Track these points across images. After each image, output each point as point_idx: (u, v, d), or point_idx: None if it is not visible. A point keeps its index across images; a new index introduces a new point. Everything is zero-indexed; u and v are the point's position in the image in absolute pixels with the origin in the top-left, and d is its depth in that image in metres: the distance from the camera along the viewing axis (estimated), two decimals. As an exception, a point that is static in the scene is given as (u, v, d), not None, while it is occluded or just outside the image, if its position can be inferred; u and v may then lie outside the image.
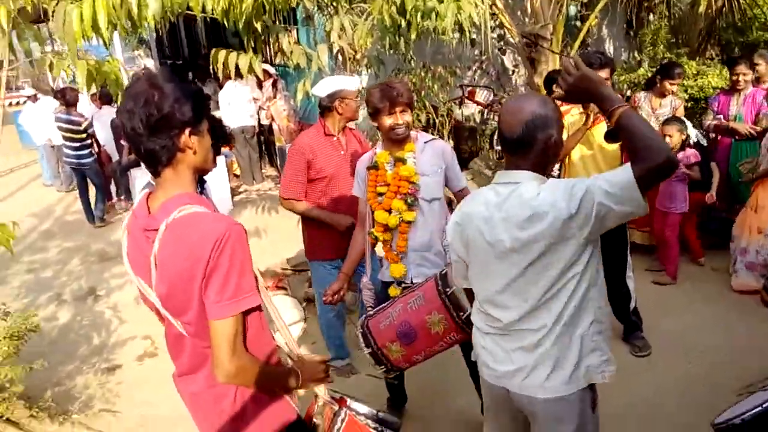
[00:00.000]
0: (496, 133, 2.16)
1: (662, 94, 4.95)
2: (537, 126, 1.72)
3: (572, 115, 3.61)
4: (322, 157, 3.37)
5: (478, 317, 1.96)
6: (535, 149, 1.74)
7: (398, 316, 2.53)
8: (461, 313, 2.39)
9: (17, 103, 17.40)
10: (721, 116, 4.87)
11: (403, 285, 2.84)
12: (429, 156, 2.81)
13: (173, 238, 1.47)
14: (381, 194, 2.81)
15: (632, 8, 8.82)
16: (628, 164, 1.58)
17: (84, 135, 7.55)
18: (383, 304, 2.70)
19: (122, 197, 8.24)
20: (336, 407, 2.03)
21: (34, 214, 7.98)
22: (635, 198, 1.56)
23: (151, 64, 14.80)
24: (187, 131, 1.50)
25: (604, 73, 3.55)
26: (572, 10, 8.31)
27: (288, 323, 2.64)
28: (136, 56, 20.17)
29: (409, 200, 2.77)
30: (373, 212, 2.85)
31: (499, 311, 1.82)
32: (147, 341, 4.52)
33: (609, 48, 9.55)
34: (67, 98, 7.54)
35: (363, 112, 3.69)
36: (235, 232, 1.48)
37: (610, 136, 3.06)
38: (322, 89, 3.42)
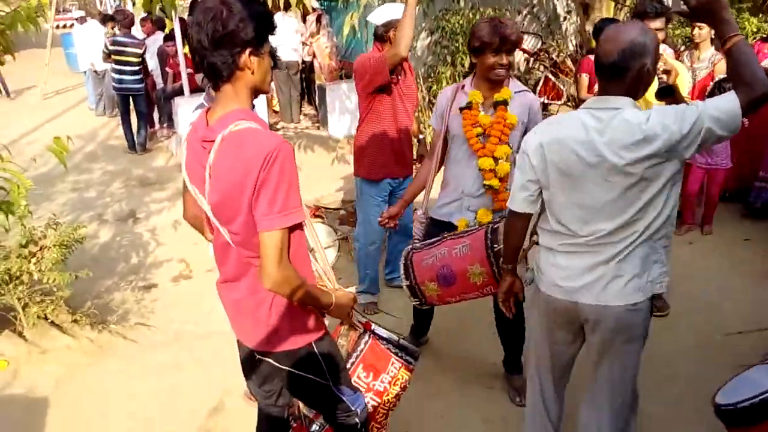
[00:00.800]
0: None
1: (696, 46, 4.62)
2: (634, 53, 1.78)
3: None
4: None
5: (549, 237, 2.03)
6: (629, 76, 1.80)
7: (442, 258, 2.54)
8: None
9: (65, 26, 17.63)
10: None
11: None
12: (516, 107, 2.69)
13: (228, 150, 1.54)
14: (478, 135, 2.69)
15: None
16: (733, 93, 1.71)
17: (140, 60, 7.59)
18: (430, 240, 2.69)
19: (164, 125, 8.37)
20: (361, 330, 2.11)
21: (79, 137, 8.17)
22: (737, 124, 1.72)
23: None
24: (248, 51, 1.55)
25: (659, 23, 3.39)
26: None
27: (323, 246, 2.70)
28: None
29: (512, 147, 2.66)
30: (470, 154, 2.72)
31: (587, 227, 1.91)
32: (182, 264, 4.68)
33: None
34: (125, 20, 7.53)
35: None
36: (285, 149, 1.54)
37: (661, 94, 2.98)
38: (379, 16, 3.41)
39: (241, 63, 1.56)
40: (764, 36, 5.33)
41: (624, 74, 1.80)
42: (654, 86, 3.11)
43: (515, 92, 2.71)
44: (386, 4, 3.51)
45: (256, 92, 1.67)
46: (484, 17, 6.87)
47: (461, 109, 2.72)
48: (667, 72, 3.01)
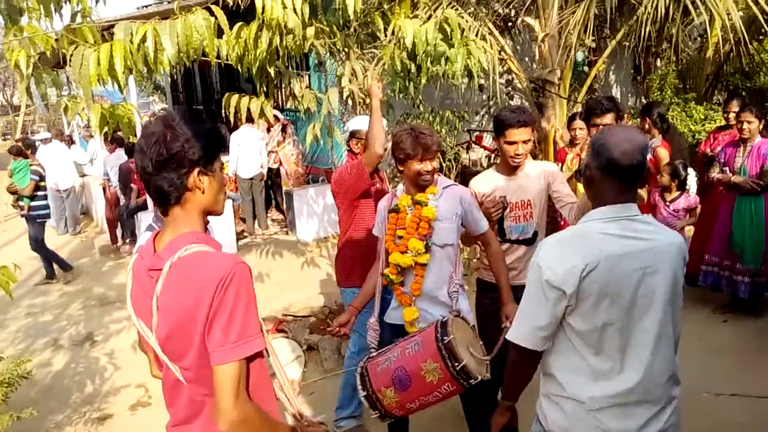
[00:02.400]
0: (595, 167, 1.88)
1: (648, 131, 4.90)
2: (646, 151, 1.78)
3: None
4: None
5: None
6: (643, 175, 1.78)
7: (396, 360, 2.47)
8: (456, 364, 2.31)
9: (31, 147, 17.67)
10: (727, 168, 4.62)
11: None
12: (447, 201, 2.77)
13: (177, 278, 1.43)
14: (400, 237, 2.76)
15: (639, 54, 8.87)
16: None
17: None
18: (385, 347, 2.63)
19: (128, 240, 8.18)
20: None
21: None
22: None
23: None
24: (196, 171, 1.49)
25: (608, 119, 3.47)
26: (579, 56, 8.35)
27: (285, 365, 2.46)
28: (150, 101, 20.63)
29: (428, 242, 2.70)
30: (388, 254, 2.80)
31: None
32: (141, 390, 4.37)
33: (616, 93, 9.57)
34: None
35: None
36: (240, 271, 1.43)
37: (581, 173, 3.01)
38: (348, 127, 3.61)
39: (189, 184, 1.49)
40: (720, 125, 5.56)
41: (643, 173, 1.75)
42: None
43: (443, 188, 2.80)
44: (354, 118, 3.63)
45: (208, 213, 1.58)
46: (444, 119, 7.15)
47: (389, 212, 2.82)
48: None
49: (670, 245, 1.75)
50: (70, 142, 11.25)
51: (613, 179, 1.73)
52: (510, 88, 8.17)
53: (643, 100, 9.27)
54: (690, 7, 5.47)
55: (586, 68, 8.25)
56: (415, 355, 2.41)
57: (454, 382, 2.33)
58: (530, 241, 3.00)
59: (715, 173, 4.69)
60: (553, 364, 1.79)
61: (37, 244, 7.07)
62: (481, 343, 2.56)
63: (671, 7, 5.84)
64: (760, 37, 7.45)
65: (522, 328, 1.79)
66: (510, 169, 3.02)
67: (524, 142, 2.88)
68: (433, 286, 2.74)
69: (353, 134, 3.56)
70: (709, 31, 7.38)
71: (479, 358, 2.43)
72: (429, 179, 2.73)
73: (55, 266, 7.35)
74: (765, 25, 5.47)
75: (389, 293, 2.91)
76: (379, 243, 2.93)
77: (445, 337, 2.34)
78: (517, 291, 3.06)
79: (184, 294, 1.42)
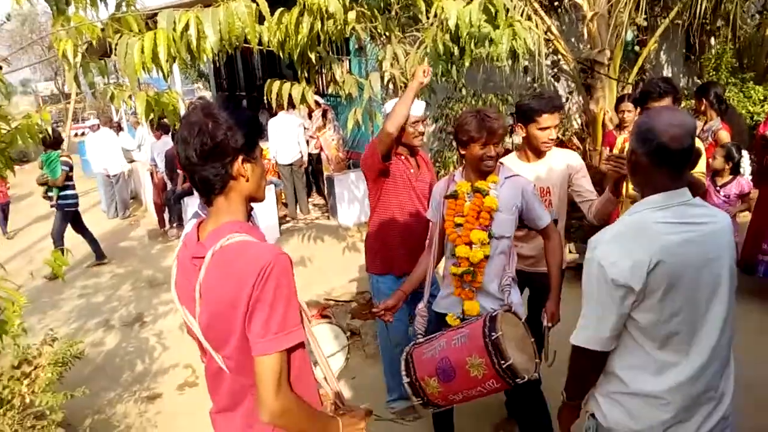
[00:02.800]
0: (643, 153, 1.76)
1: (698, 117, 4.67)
2: (694, 135, 1.71)
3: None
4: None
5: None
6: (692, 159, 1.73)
7: (441, 350, 2.42)
8: (503, 362, 2.24)
9: (83, 134, 18.31)
10: None
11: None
12: (508, 191, 2.67)
13: (218, 266, 1.44)
14: (459, 225, 2.68)
15: (693, 32, 8.48)
16: None
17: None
18: (433, 335, 2.59)
19: (174, 224, 8.39)
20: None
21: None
22: None
23: (208, 95, 15.27)
24: (240, 158, 1.49)
25: (665, 103, 3.30)
26: (629, 35, 8.04)
27: (329, 354, 2.45)
28: (195, 88, 21.02)
29: (491, 233, 2.62)
30: (451, 244, 2.71)
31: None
32: (188, 370, 4.47)
33: (668, 73, 9.19)
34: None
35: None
36: (281, 262, 1.43)
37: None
38: (386, 107, 3.45)
39: (234, 172, 1.49)
40: None
41: (692, 157, 1.69)
42: None
43: (505, 177, 2.70)
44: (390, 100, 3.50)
45: (251, 200, 1.58)
46: (487, 103, 7.01)
47: (446, 197, 2.73)
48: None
49: (724, 228, 1.71)
50: (119, 128, 11.59)
51: (662, 166, 1.66)
52: (556, 70, 7.93)
53: (697, 81, 8.88)
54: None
55: (636, 48, 7.94)
56: (461, 348, 2.36)
57: (499, 379, 2.28)
58: None
59: None
60: (615, 363, 1.75)
61: (59, 236, 7.07)
62: (533, 340, 2.48)
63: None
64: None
65: (588, 331, 1.73)
66: (534, 155, 3.01)
67: (555, 127, 2.91)
68: (487, 278, 2.66)
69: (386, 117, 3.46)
70: (770, 6, 7.00)
71: (528, 357, 2.37)
72: (492, 165, 2.64)
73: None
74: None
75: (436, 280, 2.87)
76: (431, 228, 2.87)
77: (493, 333, 2.27)
78: (534, 278, 3.05)
79: (225, 283, 1.43)
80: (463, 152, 2.69)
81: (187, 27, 2.72)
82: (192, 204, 6.86)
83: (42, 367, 3.20)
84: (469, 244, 2.62)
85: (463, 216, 2.66)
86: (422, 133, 3.39)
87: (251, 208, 1.63)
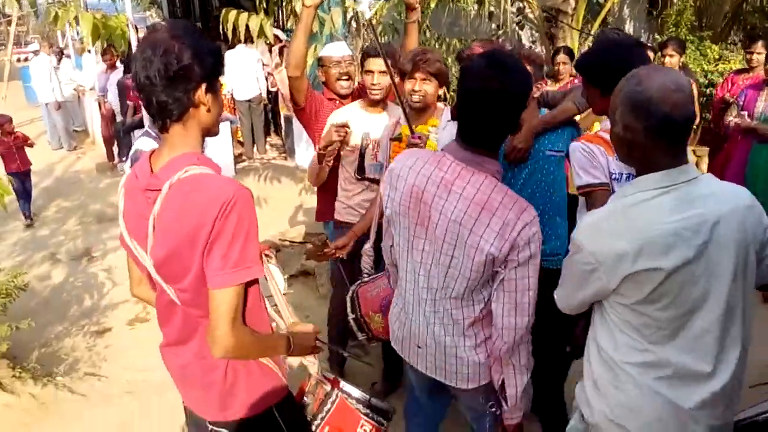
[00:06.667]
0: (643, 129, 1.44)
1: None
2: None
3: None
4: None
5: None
6: None
7: (385, 287, 2.46)
8: None
9: (26, 59, 17.30)
10: (746, 113, 4.34)
11: None
12: (450, 134, 2.61)
13: (177, 199, 1.39)
14: None
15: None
16: None
17: None
18: (378, 274, 2.62)
19: (124, 158, 8.11)
20: (328, 388, 1.94)
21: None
22: None
23: (160, 24, 14.44)
24: (203, 86, 1.42)
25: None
26: (595, -14, 8.02)
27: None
28: (146, 17, 19.92)
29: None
30: None
31: None
32: (139, 306, 4.42)
33: (630, 28, 9.24)
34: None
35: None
36: (243, 196, 1.39)
37: None
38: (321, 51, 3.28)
39: (196, 99, 1.42)
40: (739, 68, 5.35)
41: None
42: None
43: (447, 120, 2.67)
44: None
45: (206, 134, 1.52)
46: (451, 47, 6.93)
47: (391, 140, 2.72)
48: None
49: (735, 209, 1.42)
50: (61, 54, 10.87)
51: (663, 140, 1.39)
52: (521, 17, 7.87)
53: (657, 37, 8.97)
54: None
55: (601, 0, 7.94)
56: None
57: None
58: None
59: (732, 117, 4.39)
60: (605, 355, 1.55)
61: None
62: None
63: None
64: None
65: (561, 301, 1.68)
66: (371, 103, 2.91)
67: (381, 72, 2.77)
68: None
69: (320, 62, 3.19)
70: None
71: None
72: (416, 101, 2.61)
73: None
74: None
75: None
76: (382, 171, 2.85)
77: None
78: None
79: (184, 216, 1.38)
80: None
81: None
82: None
83: (-16, 298, 3.11)
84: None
85: None
86: (350, 78, 3.08)
87: (205, 144, 1.58)
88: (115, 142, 8.23)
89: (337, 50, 3.09)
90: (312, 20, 2.91)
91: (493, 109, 1.62)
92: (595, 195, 2.03)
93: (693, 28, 7.95)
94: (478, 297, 1.76)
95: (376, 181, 2.93)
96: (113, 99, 7.95)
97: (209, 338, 1.43)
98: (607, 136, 1.82)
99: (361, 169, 2.94)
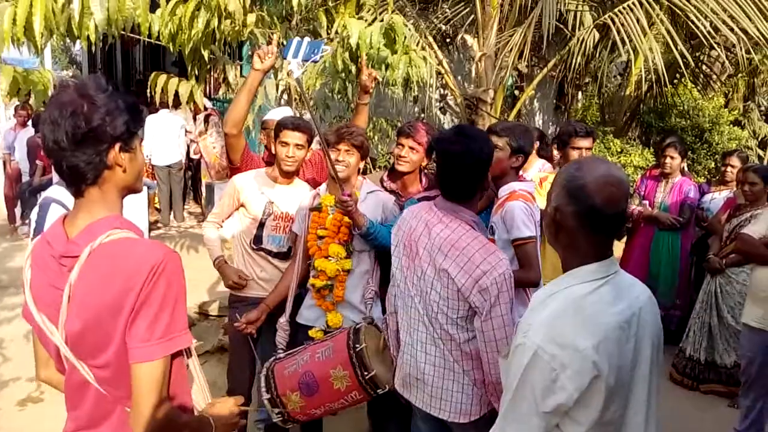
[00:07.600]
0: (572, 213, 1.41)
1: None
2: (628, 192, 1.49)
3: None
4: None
5: None
6: None
7: (304, 364, 2.43)
8: (366, 373, 2.31)
9: None
10: (647, 202, 4.75)
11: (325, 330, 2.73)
12: (369, 207, 2.72)
13: (100, 265, 1.30)
14: (321, 237, 2.70)
15: (568, 83, 9.32)
16: None
17: None
18: (295, 349, 2.58)
19: (27, 220, 7.57)
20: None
21: None
22: None
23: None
24: (117, 147, 1.34)
25: (588, 142, 3.37)
26: (510, 80, 8.64)
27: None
28: (63, 76, 19.37)
29: (350, 248, 2.67)
30: (311, 257, 2.73)
31: None
32: (32, 384, 3.99)
33: (539, 120, 9.98)
34: None
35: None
36: (172, 261, 1.32)
37: None
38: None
39: (110, 161, 1.34)
40: (653, 165, 5.52)
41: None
42: None
43: (367, 192, 2.78)
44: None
45: (128, 192, 1.44)
46: (377, 126, 7.15)
47: (311, 210, 2.76)
48: None
49: (650, 298, 1.48)
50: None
51: (588, 228, 1.39)
52: (443, 103, 8.31)
53: (564, 129, 9.72)
54: (618, 43, 5.79)
55: (516, 92, 8.55)
56: (325, 361, 2.38)
57: (362, 390, 2.34)
58: (286, 255, 2.92)
59: (635, 205, 4.78)
60: None
61: None
62: (392, 353, 2.49)
63: (600, 42, 6.16)
64: (675, 81, 8.00)
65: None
66: (283, 174, 2.90)
67: (297, 146, 2.81)
68: (348, 292, 2.71)
69: (263, 126, 3.37)
70: (633, 65, 7.85)
71: (387, 368, 2.41)
72: (340, 171, 2.65)
73: None
74: (683, 67, 5.87)
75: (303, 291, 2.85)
76: (297, 241, 2.84)
77: (357, 345, 2.34)
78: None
79: (107, 284, 1.28)
80: None
81: (70, -1, 2.50)
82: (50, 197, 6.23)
83: None
84: (328, 257, 2.66)
85: (325, 229, 2.70)
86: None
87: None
88: (18, 203, 7.70)
89: (281, 115, 3.21)
90: (258, 84, 2.97)
91: (458, 166, 2.03)
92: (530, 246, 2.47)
93: (597, 123, 8.70)
94: (464, 335, 2.04)
95: (274, 254, 2.90)
96: (21, 158, 7.52)
97: (132, 418, 1.30)
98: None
99: (258, 240, 2.90)
